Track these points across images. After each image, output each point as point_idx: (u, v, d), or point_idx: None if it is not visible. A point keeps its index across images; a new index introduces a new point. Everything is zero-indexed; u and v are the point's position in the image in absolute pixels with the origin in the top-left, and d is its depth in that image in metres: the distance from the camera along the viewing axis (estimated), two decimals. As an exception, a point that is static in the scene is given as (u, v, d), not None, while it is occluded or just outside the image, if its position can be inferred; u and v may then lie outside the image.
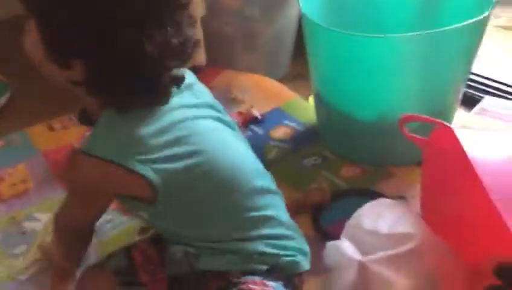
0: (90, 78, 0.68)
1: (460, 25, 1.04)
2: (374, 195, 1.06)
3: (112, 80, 0.68)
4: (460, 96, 1.25)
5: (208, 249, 0.77)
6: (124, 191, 0.74)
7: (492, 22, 2.16)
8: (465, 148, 0.75)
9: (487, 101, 1.38)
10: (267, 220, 0.77)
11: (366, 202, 0.92)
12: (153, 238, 0.90)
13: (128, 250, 0.89)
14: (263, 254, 0.75)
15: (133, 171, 0.68)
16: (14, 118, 1.55)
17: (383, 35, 1.08)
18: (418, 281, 0.73)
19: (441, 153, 0.86)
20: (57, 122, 1.48)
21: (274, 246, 0.76)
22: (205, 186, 0.74)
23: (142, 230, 1.09)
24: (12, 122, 1.52)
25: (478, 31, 1.11)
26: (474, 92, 1.47)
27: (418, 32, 1.05)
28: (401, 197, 1.07)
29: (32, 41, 0.71)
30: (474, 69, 1.48)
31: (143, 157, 0.69)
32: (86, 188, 0.73)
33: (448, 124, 0.86)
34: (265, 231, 0.77)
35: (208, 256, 0.77)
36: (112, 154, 0.68)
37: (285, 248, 0.77)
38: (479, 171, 0.73)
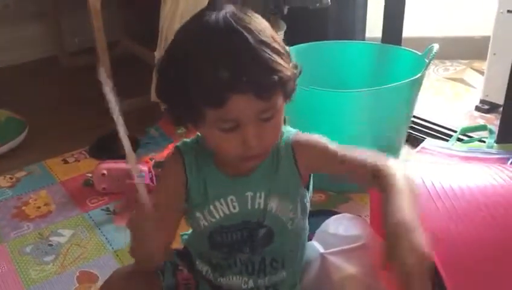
0: None
1: (399, 83, 1.34)
2: (336, 214, 1.30)
3: None
4: (404, 136, 1.54)
5: None
6: None
7: (442, 74, 2.51)
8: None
9: (428, 142, 1.58)
10: None
11: (331, 219, 1.13)
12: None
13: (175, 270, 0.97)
14: None
15: None
16: (32, 152, 1.75)
17: (345, 91, 1.36)
18: (363, 269, 0.95)
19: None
20: (70, 156, 1.70)
21: None
22: None
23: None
24: (31, 155, 1.73)
25: (414, 86, 1.40)
26: (418, 134, 1.71)
27: (369, 89, 1.35)
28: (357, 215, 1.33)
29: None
30: (421, 115, 1.77)
31: None
32: None
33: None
34: None
35: None
36: None
37: None
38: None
